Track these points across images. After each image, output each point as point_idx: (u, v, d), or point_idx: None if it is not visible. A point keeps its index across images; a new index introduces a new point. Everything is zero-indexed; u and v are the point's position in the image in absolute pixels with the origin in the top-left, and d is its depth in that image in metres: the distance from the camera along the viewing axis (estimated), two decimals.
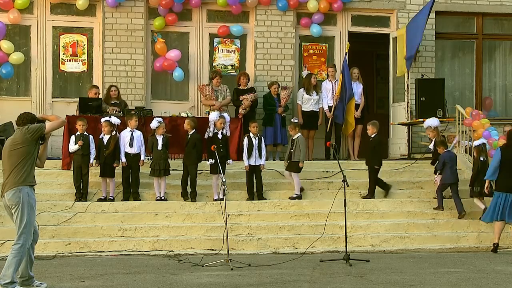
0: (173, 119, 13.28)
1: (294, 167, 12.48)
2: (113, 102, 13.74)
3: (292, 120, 13.07)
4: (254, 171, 12.41)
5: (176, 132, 12.88)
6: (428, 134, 13.17)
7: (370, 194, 12.56)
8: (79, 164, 12.00)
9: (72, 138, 12.16)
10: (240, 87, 14.36)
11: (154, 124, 12.24)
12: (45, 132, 7.75)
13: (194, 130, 12.30)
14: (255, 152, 12.43)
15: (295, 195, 12.39)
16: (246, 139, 12.58)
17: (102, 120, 12.31)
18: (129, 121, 12.35)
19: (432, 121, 13.17)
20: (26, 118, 7.87)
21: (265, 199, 12.37)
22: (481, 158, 12.14)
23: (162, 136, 12.19)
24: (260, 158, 12.45)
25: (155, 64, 14.82)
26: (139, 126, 12.63)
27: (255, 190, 12.39)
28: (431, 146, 13.03)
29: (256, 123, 12.73)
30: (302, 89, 14.70)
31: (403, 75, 15.16)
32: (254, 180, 12.42)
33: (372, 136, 12.73)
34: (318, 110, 14.62)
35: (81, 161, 11.99)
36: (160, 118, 12.51)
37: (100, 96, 13.73)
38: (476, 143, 12.50)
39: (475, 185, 12.10)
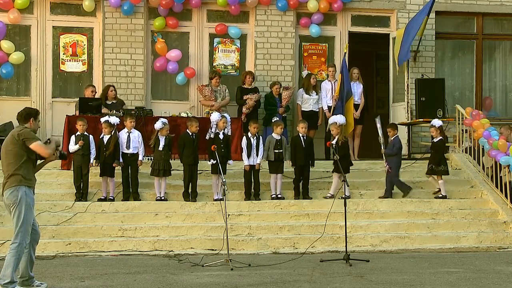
0: (173, 119, 13.27)
1: (281, 168, 12.52)
2: (110, 102, 13.71)
3: (275, 119, 13.04)
4: (252, 171, 12.42)
5: (176, 132, 12.87)
6: (332, 130, 13.04)
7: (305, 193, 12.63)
8: (79, 164, 12.00)
9: (72, 138, 12.16)
10: (245, 86, 14.34)
11: (158, 125, 12.20)
12: (29, 146, 7.62)
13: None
14: (253, 152, 12.44)
15: (280, 195, 12.44)
16: (244, 138, 12.59)
17: (102, 120, 12.30)
18: (124, 122, 12.35)
19: (339, 118, 13.09)
20: (22, 114, 7.86)
21: (261, 199, 12.36)
22: (440, 137, 12.65)
23: (164, 137, 12.19)
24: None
25: (155, 64, 14.83)
26: (139, 126, 12.63)
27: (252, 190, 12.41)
28: (334, 142, 12.91)
29: (256, 124, 12.71)
30: (301, 89, 14.69)
31: (403, 75, 15.15)
32: (252, 180, 12.42)
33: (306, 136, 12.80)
34: (317, 110, 14.61)
35: (81, 161, 11.99)
36: (165, 119, 12.49)
37: (97, 95, 13.71)
38: (435, 123, 12.75)
39: (441, 164, 12.53)
